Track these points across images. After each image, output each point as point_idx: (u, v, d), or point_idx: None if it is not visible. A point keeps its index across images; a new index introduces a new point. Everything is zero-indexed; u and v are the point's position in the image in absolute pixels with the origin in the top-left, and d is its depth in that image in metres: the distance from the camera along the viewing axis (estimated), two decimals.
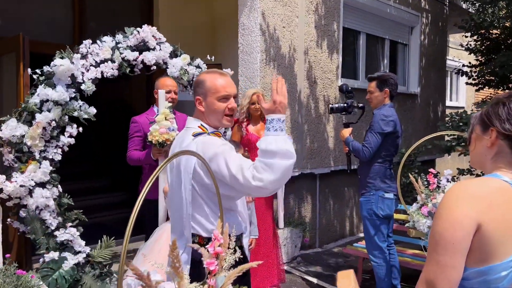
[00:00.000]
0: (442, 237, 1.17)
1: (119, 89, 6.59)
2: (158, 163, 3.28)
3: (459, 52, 10.82)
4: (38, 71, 3.24)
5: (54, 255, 3.24)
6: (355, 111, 3.75)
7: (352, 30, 6.06)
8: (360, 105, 3.75)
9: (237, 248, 1.44)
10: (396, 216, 4.01)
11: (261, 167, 1.71)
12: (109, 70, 3.49)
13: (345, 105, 3.70)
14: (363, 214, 3.60)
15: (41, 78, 3.25)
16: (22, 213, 3.15)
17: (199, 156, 1.65)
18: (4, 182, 3.03)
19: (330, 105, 3.75)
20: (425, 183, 3.08)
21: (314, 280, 4.31)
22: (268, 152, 1.71)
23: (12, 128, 3.09)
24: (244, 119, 3.79)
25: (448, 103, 10.12)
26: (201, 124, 1.92)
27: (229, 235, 1.46)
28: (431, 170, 3.11)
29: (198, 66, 4.06)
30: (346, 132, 3.65)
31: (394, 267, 3.65)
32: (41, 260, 3.24)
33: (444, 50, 7.97)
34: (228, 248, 1.51)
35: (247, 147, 3.73)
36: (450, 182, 3.06)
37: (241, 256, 1.50)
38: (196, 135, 1.87)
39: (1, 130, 3.11)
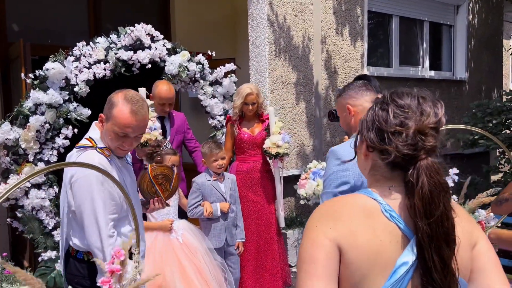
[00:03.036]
0: (303, 257, 1.01)
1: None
2: (143, 163, 3.23)
3: None
4: (31, 75, 3.32)
5: (52, 254, 3.33)
6: None
7: (381, 14, 5.59)
8: None
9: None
10: None
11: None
12: (101, 71, 3.50)
13: None
14: None
15: (35, 82, 3.34)
16: (18, 214, 3.27)
17: (102, 171, 1.52)
18: None
19: (334, 111, 3.13)
20: None
21: None
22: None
23: (5, 132, 3.20)
24: (237, 117, 3.60)
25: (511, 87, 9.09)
26: (90, 137, 1.77)
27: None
28: None
29: (199, 63, 3.96)
30: None
31: None
32: (39, 258, 3.35)
33: (499, 29, 7.11)
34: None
35: (240, 146, 3.56)
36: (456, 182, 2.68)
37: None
38: (80, 147, 1.75)
39: None
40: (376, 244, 0.95)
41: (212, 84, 4.01)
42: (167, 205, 2.23)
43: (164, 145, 2.98)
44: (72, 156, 1.77)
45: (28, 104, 3.28)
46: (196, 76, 3.94)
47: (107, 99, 1.79)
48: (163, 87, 3.37)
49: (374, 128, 0.99)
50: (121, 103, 1.72)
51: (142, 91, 3.20)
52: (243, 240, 3.23)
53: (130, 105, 1.72)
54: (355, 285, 0.97)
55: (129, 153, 2.09)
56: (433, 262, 0.91)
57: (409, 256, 0.94)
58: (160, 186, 2.11)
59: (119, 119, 1.71)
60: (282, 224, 3.67)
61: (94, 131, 1.81)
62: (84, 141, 1.78)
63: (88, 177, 1.67)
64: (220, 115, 4.01)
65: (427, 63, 6.25)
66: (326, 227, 0.99)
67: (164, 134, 3.43)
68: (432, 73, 6.27)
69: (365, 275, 0.95)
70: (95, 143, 1.75)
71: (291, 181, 4.17)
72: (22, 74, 3.41)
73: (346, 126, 2.12)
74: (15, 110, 3.29)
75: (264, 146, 3.49)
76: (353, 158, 1.10)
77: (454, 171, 2.69)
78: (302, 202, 2.92)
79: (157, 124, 3.20)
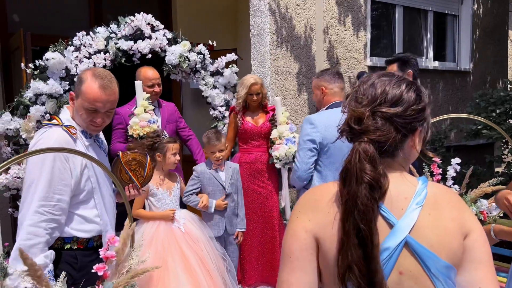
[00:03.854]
0: (283, 249, 1.03)
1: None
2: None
3: None
4: (31, 65, 3.31)
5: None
6: None
7: (384, 3, 5.52)
8: None
9: None
10: None
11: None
12: (101, 61, 3.48)
13: None
14: None
15: (35, 72, 3.32)
16: (19, 203, 3.27)
17: (84, 155, 1.53)
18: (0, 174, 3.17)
19: (360, 73, 3.44)
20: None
21: None
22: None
23: (6, 122, 3.19)
24: (241, 108, 3.57)
25: None
26: (58, 116, 1.82)
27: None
28: (436, 159, 2.71)
29: (200, 53, 3.93)
30: None
31: None
32: None
33: (504, 19, 7.02)
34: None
35: (243, 136, 3.54)
36: (458, 173, 2.66)
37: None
38: (45, 125, 1.78)
39: None
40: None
41: (213, 74, 3.98)
42: (143, 191, 2.20)
43: (163, 135, 2.98)
44: (36, 134, 1.80)
45: (28, 94, 3.27)
46: (197, 66, 3.91)
47: (77, 76, 1.85)
48: (146, 69, 3.48)
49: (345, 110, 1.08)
50: (89, 79, 1.75)
51: (139, 84, 3.18)
52: (243, 230, 3.22)
53: (98, 80, 1.75)
54: (327, 275, 0.97)
55: (104, 141, 2.08)
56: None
57: (390, 242, 0.94)
58: (133, 172, 2.08)
59: (88, 94, 1.74)
60: (288, 216, 3.66)
61: (64, 112, 1.85)
62: (51, 120, 1.81)
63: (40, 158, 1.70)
64: (221, 106, 3.99)
65: (431, 53, 6.18)
66: (305, 218, 1.00)
67: None
68: (436, 63, 6.21)
69: (332, 265, 0.95)
70: (61, 122, 1.77)
71: None
72: (22, 64, 3.40)
73: (318, 102, 2.80)
74: (15, 100, 3.28)
75: (271, 137, 3.48)
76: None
77: (456, 160, 2.67)
78: (276, 162, 3.31)
79: (155, 117, 3.19)
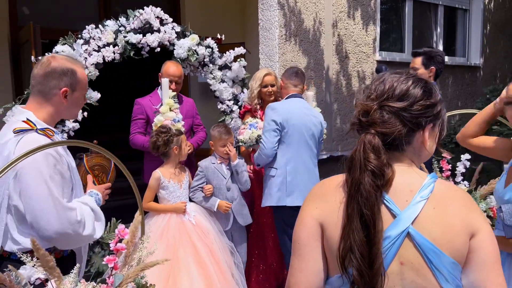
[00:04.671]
0: (293, 237, 1.08)
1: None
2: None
3: None
4: (40, 58, 3.32)
5: None
6: None
7: None
8: None
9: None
10: None
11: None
12: (110, 54, 3.49)
13: None
14: None
15: None
16: None
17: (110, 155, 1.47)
18: None
19: (378, 67, 3.43)
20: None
21: None
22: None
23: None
24: (256, 105, 3.47)
25: None
26: (28, 119, 1.58)
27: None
28: (445, 154, 2.70)
29: (208, 46, 3.92)
30: None
31: None
32: None
33: None
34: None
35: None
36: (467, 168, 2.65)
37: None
38: (18, 131, 1.54)
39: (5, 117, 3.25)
40: None
41: (221, 68, 3.98)
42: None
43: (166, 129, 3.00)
44: (8, 143, 1.56)
45: None
46: (205, 60, 3.90)
47: (49, 73, 1.66)
48: (171, 65, 3.46)
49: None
50: (75, 66, 1.71)
51: (165, 81, 3.22)
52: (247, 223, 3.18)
53: (79, 64, 1.75)
54: (335, 261, 1.00)
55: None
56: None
57: (392, 231, 0.96)
58: (96, 178, 2.00)
59: (84, 80, 1.73)
60: None
61: (25, 114, 1.62)
62: (21, 124, 1.56)
63: (35, 161, 1.50)
64: (229, 100, 3.98)
65: (440, 48, 6.12)
66: (312, 206, 1.06)
67: None
68: (446, 58, 6.13)
69: (334, 251, 0.99)
70: (34, 125, 1.58)
71: None
72: (32, 57, 3.42)
73: (280, 93, 3.37)
74: (25, 93, 3.30)
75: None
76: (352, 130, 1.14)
77: (465, 156, 2.65)
78: (241, 145, 3.43)
79: (180, 116, 3.20)
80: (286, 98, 3.18)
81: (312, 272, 1.02)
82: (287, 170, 3.01)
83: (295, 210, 3.05)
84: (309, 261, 1.02)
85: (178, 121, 3.23)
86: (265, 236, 3.40)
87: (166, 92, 3.26)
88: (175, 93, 3.32)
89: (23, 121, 1.57)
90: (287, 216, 2.98)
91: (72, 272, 1.42)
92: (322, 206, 1.04)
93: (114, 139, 6.51)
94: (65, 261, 1.69)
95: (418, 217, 0.96)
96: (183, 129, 3.23)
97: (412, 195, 0.99)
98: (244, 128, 3.43)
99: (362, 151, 0.99)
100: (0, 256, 1.63)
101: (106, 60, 3.49)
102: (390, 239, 0.96)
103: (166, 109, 3.18)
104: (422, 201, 0.97)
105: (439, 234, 0.95)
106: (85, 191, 1.86)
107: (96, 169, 2.04)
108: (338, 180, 1.06)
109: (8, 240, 1.60)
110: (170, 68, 3.43)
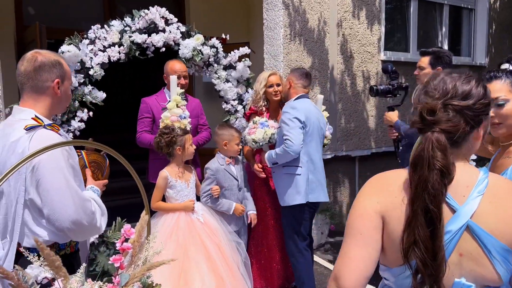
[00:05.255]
0: (350, 227, 1.13)
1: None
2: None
3: None
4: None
5: None
6: (400, 93, 3.33)
7: None
8: (404, 85, 3.34)
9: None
10: None
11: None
12: (115, 54, 3.50)
13: (391, 87, 3.29)
14: None
15: None
16: None
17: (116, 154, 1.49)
18: None
19: (375, 87, 3.33)
20: None
21: None
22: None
23: None
24: (262, 107, 3.44)
25: None
26: (36, 116, 1.61)
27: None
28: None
29: (213, 46, 3.93)
30: (394, 116, 3.21)
31: None
32: None
33: None
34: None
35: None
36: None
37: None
38: (29, 128, 1.57)
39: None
40: None
41: (226, 68, 3.98)
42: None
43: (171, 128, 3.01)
44: (21, 140, 1.59)
45: None
46: (210, 60, 3.91)
47: (38, 67, 1.66)
48: (175, 61, 3.52)
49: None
50: (59, 58, 1.73)
51: (174, 78, 3.24)
52: (254, 212, 3.23)
53: (61, 56, 1.79)
54: (392, 253, 1.09)
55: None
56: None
57: (452, 225, 1.03)
58: (92, 174, 2.00)
59: (69, 71, 1.77)
60: None
61: (26, 112, 1.65)
62: (30, 122, 1.59)
63: (52, 154, 1.55)
64: (234, 100, 3.99)
65: (446, 47, 6.09)
66: (373, 200, 1.11)
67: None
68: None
69: (396, 245, 1.06)
70: (42, 121, 1.61)
71: None
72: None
73: (285, 92, 3.39)
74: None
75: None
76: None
77: (472, 157, 2.64)
78: (252, 145, 3.36)
79: (187, 113, 3.21)
80: (296, 98, 3.22)
81: (372, 261, 1.09)
82: (309, 167, 3.12)
83: (311, 207, 3.14)
84: (369, 251, 1.08)
85: (185, 117, 3.24)
86: (269, 235, 3.41)
87: (174, 89, 3.27)
88: (183, 90, 3.33)
89: (33, 118, 1.60)
90: (298, 211, 3.08)
91: (78, 272, 1.43)
92: (384, 201, 1.10)
93: (118, 139, 6.53)
94: (69, 258, 1.73)
95: (476, 211, 1.03)
96: (189, 126, 3.24)
97: (469, 191, 1.06)
98: (254, 127, 3.40)
99: (431, 150, 1.03)
100: (18, 253, 1.64)
101: (112, 60, 3.51)
102: (451, 233, 1.03)
103: (173, 105, 3.19)
104: (479, 196, 1.04)
105: (496, 226, 1.03)
106: (84, 186, 1.90)
107: (92, 165, 2.05)
108: (400, 175, 1.12)
109: (25, 236, 1.64)
110: (175, 64, 3.50)
